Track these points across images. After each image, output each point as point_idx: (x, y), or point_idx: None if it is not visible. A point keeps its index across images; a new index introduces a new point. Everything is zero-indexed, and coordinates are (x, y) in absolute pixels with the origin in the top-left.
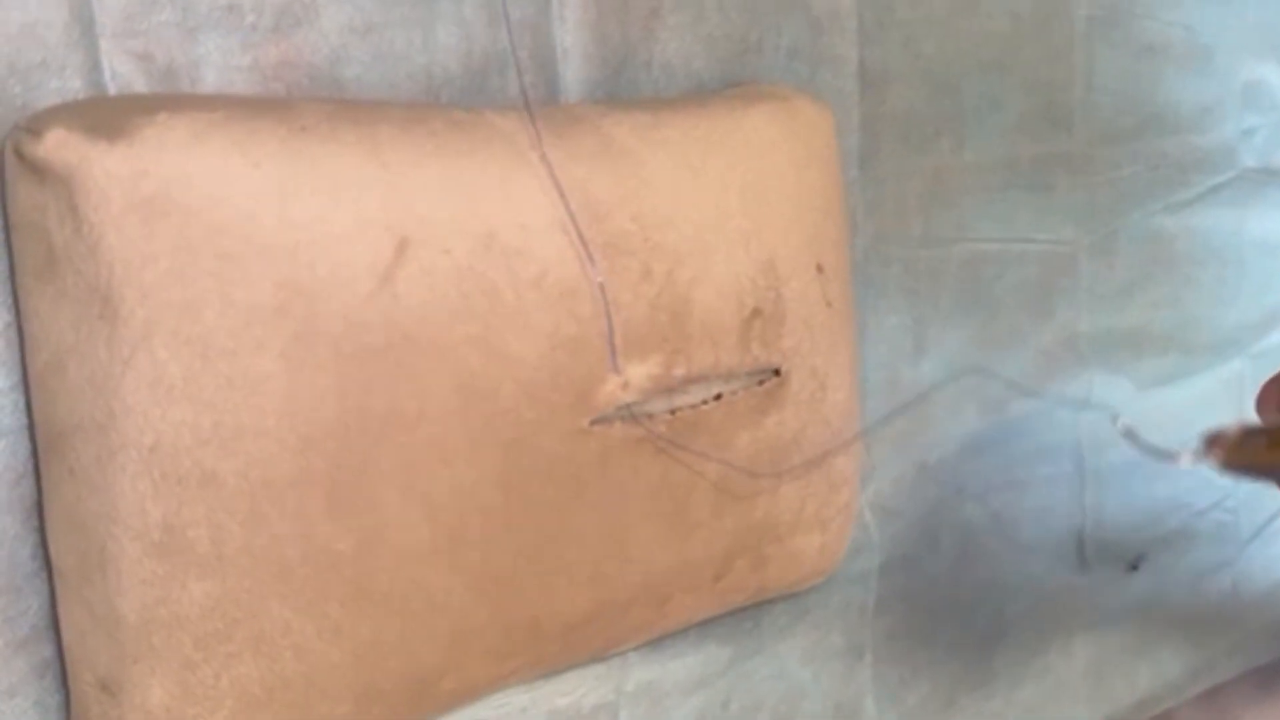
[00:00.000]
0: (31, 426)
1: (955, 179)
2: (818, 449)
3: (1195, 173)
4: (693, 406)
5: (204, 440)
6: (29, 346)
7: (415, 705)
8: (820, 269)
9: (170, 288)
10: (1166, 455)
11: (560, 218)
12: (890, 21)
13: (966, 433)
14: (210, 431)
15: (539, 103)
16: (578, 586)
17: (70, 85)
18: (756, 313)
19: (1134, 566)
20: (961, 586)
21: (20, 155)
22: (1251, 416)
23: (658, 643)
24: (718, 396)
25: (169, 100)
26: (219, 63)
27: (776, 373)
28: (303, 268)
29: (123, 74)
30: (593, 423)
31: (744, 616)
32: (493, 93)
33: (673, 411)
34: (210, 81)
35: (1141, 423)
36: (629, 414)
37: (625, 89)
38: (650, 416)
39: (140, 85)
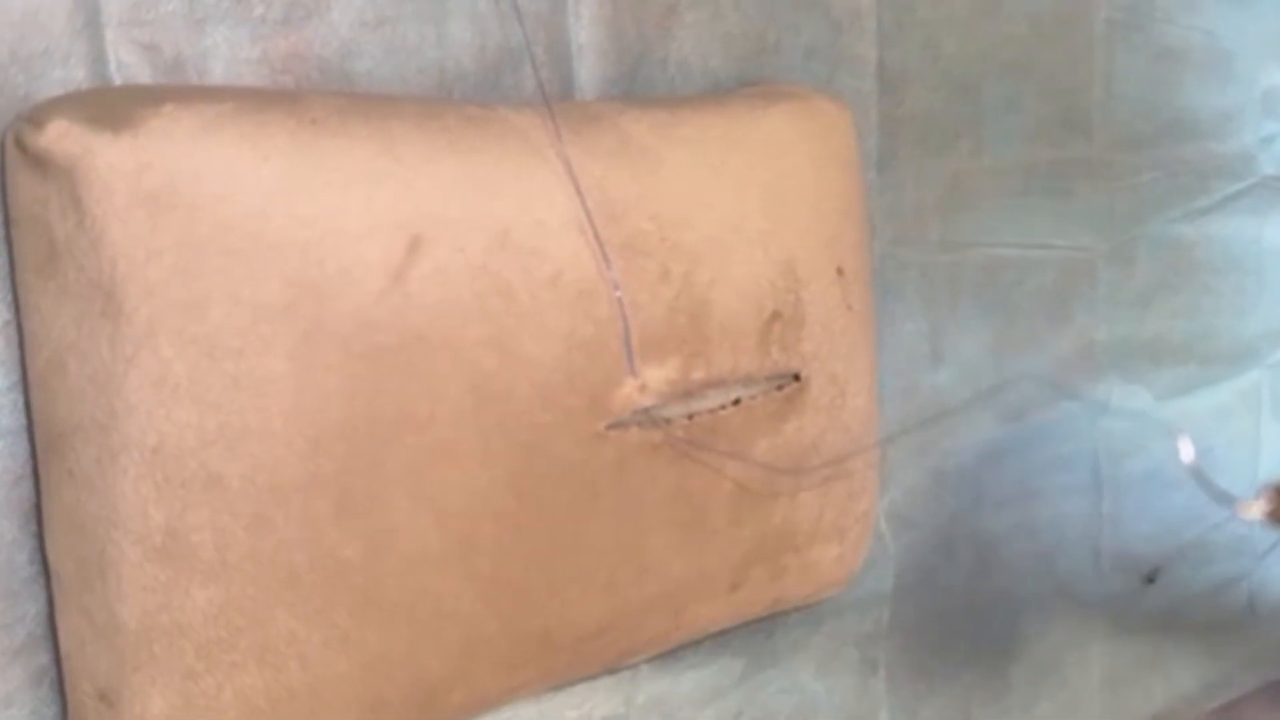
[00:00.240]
0: (30, 427)
1: (974, 183)
2: (838, 456)
3: (1214, 180)
4: (711, 411)
5: (209, 442)
6: (29, 344)
7: (423, 718)
8: (841, 272)
9: (175, 284)
10: (1228, 500)
11: (577, 216)
12: (910, 22)
13: (984, 441)
14: (215, 433)
15: (554, 99)
16: (592, 595)
17: (74, 75)
18: (776, 316)
19: (1151, 579)
20: (977, 598)
21: (21, 146)
22: None
23: (669, 654)
24: (736, 401)
25: (175, 91)
26: (227, 55)
27: (796, 378)
28: (312, 265)
29: (128, 64)
30: (609, 427)
31: (757, 628)
32: (506, 89)
33: (690, 416)
34: (218, 74)
35: (1162, 432)
36: (646, 418)
37: (641, 87)
38: (668, 421)
39: (145, 76)
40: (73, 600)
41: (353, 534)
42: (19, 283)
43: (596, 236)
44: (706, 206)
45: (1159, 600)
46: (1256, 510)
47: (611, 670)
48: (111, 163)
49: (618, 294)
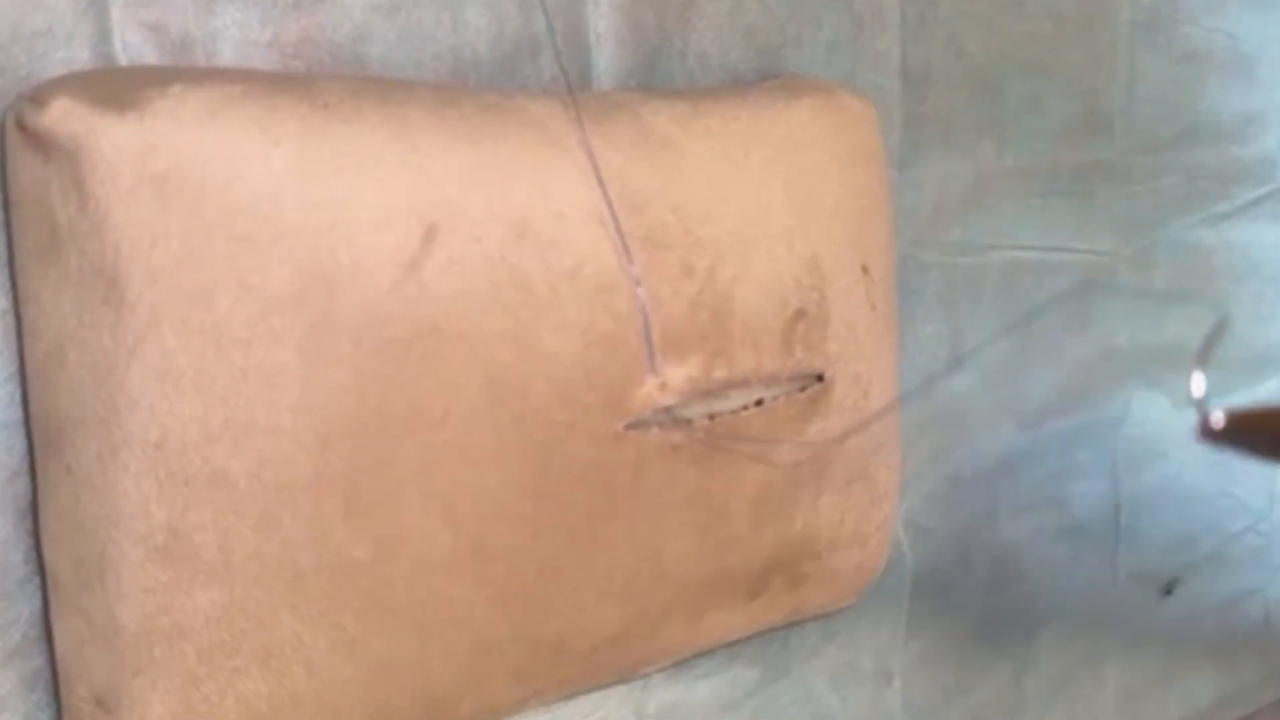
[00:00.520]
0: (27, 420)
1: (996, 184)
2: (860, 461)
3: (1235, 185)
4: (732, 412)
5: (214, 437)
6: (27, 334)
7: None
8: (866, 270)
9: (181, 271)
10: (1203, 412)
11: (597, 207)
12: (933, 18)
13: (1002, 448)
14: (221, 428)
15: (572, 89)
16: (608, 602)
17: (78, 55)
18: (800, 314)
19: (1168, 591)
20: (993, 609)
21: (22, 127)
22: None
23: (681, 663)
24: (759, 402)
25: (183, 72)
26: (236, 37)
27: (820, 378)
28: (324, 254)
29: (134, 45)
30: (627, 426)
31: (771, 637)
32: (523, 78)
33: (711, 417)
34: (226, 56)
35: (1181, 440)
36: (666, 418)
37: (659, 78)
38: (688, 422)
39: (152, 57)
40: (69, 601)
41: (361, 534)
42: (18, 269)
43: (618, 228)
44: (730, 200)
45: (1174, 613)
46: (1215, 423)
47: (624, 679)
48: (116, 144)
49: (639, 289)
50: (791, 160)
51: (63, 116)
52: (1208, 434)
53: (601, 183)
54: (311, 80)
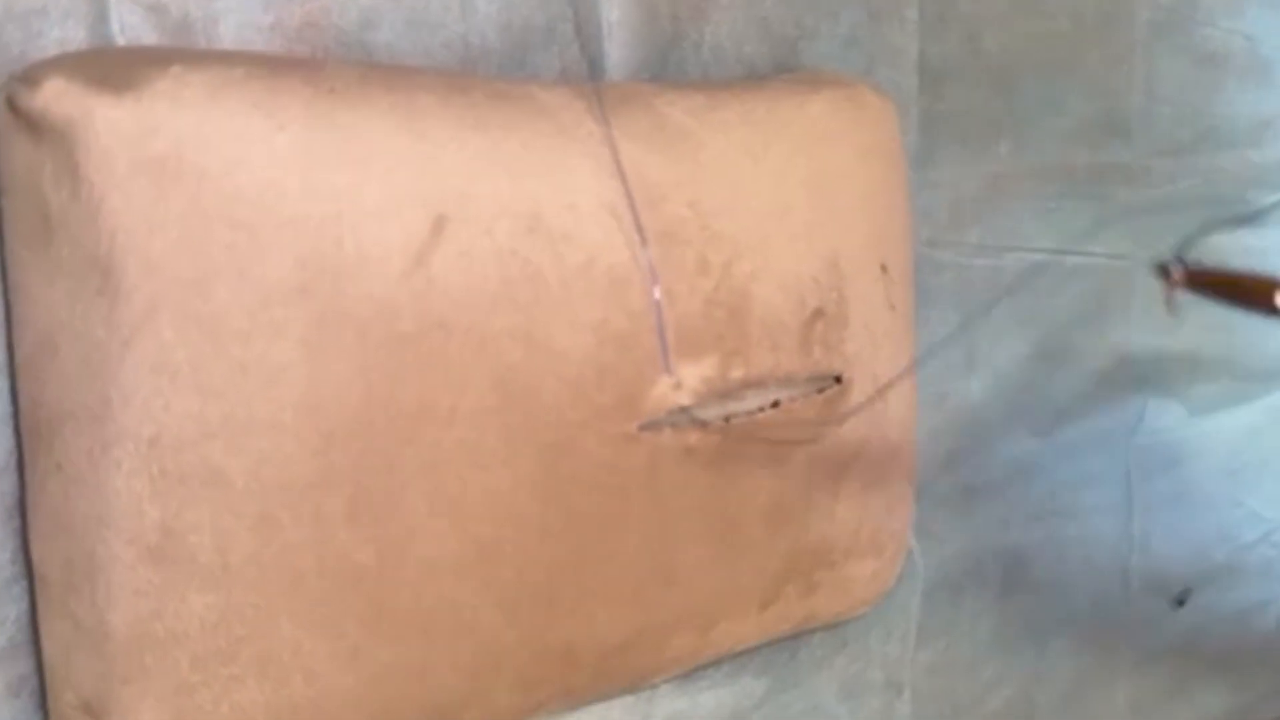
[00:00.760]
0: (16, 415)
1: (1013, 185)
2: (877, 468)
3: (1251, 190)
4: (749, 414)
5: (211, 434)
6: (16, 324)
7: None
8: (885, 269)
9: (179, 260)
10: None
11: (610, 200)
12: (952, 15)
13: (1016, 455)
14: (218, 424)
15: (583, 81)
16: (617, 609)
17: (73, 35)
18: (819, 313)
19: (1180, 602)
20: (1005, 619)
21: (14, 108)
22: None
23: (689, 673)
24: (775, 404)
25: (183, 53)
26: (238, 20)
27: (838, 380)
28: (328, 244)
29: (132, 25)
30: (641, 428)
31: (780, 647)
32: (534, 68)
33: (727, 419)
34: (227, 40)
35: (1195, 449)
36: (681, 419)
37: (673, 70)
38: (703, 423)
39: (150, 39)
40: (58, 604)
41: (365, 537)
42: (7, 257)
43: (637, 221)
44: (747, 195)
45: (1186, 624)
46: (1175, 275)
47: (631, 689)
48: (112, 126)
49: (655, 285)
50: (811, 155)
51: (56, 97)
52: (1167, 278)
53: (622, 173)
54: (317, 64)
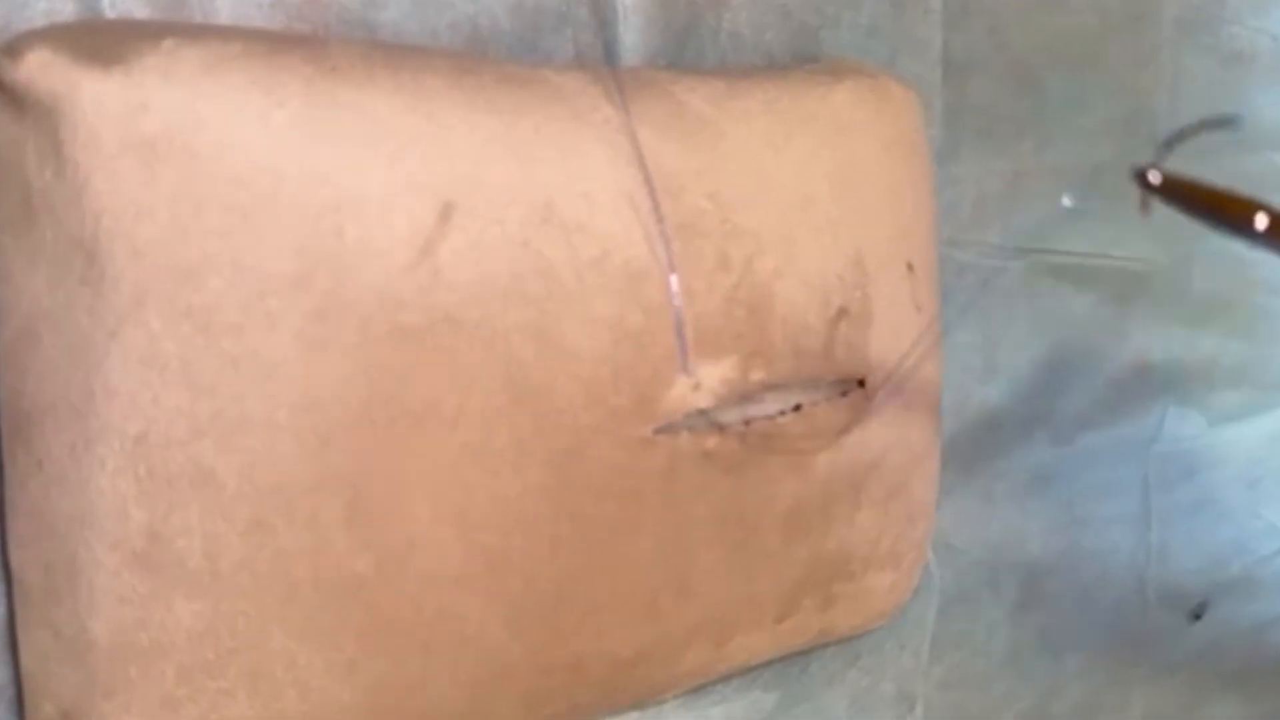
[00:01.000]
0: None
1: (1035, 183)
2: (900, 474)
3: (1274, 194)
4: (769, 417)
5: (201, 432)
6: None
7: None
8: (911, 268)
9: (169, 246)
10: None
11: (627, 190)
12: (976, 7)
13: (1034, 464)
14: (209, 422)
15: (596, 66)
16: (630, 621)
17: (61, 7)
18: (843, 313)
19: (1197, 615)
20: (1020, 632)
21: None
22: None
23: (697, 687)
24: (797, 407)
25: (177, 27)
26: None
27: (861, 383)
28: (328, 231)
29: None
30: (657, 431)
31: (792, 660)
32: (546, 52)
33: (747, 422)
34: (224, 15)
35: (1214, 459)
36: (699, 422)
37: (689, 58)
38: (722, 427)
39: (142, 13)
40: (37, 611)
41: (364, 545)
42: None
43: (658, 212)
44: (770, 187)
45: (1202, 638)
46: (1153, 178)
47: (640, 705)
48: (100, 102)
49: (674, 280)
50: (835, 147)
51: (40, 69)
52: (1143, 183)
53: (643, 161)
54: (318, 42)
